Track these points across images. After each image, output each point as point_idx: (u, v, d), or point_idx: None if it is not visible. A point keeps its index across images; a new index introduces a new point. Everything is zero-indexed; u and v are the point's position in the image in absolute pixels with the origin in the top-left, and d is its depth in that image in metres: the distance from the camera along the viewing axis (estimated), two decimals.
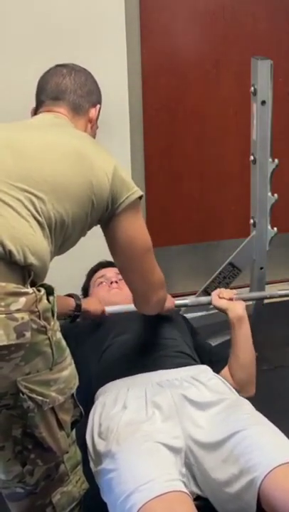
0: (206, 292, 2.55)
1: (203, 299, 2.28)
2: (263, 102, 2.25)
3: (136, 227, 1.60)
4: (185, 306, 2.26)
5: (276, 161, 2.33)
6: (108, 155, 1.57)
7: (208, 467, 1.55)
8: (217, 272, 2.51)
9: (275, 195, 2.38)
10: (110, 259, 2.35)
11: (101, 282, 2.20)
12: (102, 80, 2.80)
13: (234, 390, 1.81)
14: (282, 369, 2.69)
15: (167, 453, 1.53)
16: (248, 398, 1.81)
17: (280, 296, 2.37)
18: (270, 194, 2.39)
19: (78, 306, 1.95)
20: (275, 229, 2.43)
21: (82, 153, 1.51)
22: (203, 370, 1.84)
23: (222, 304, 2.07)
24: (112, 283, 2.16)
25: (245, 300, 2.19)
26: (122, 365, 1.84)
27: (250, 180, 2.42)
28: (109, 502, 1.49)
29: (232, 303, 2.07)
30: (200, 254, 3.28)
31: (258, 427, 1.57)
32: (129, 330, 1.97)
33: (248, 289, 2.63)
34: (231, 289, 2.51)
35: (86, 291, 2.28)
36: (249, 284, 2.61)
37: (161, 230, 3.18)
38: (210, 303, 2.15)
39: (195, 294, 2.64)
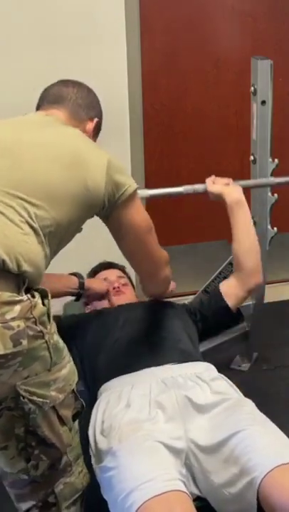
0: (206, 292, 2.55)
1: (198, 186, 2.11)
2: (263, 102, 2.25)
3: (136, 213, 1.63)
4: (179, 193, 2.14)
5: (276, 161, 2.33)
6: (100, 150, 1.56)
7: (210, 469, 1.55)
8: (217, 272, 2.51)
9: (275, 195, 2.38)
10: (111, 259, 2.37)
11: None
12: (102, 80, 2.81)
13: (238, 390, 1.80)
14: (282, 369, 2.70)
15: (167, 453, 1.53)
16: (247, 392, 1.80)
17: (278, 183, 2.26)
18: (270, 194, 2.39)
19: (82, 284, 2.01)
20: (275, 229, 2.43)
21: (76, 153, 1.50)
22: (207, 369, 1.84)
23: (217, 188, 2.02)
24: (114, 288, 2.16)
25: (241, 186, 2.07)
26: (125, 358, 1.83)
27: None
28: (110, 499, 1.49)
29: (228, 187, 2.01)
30: (200, 254, 3.28)
31: (259, 427, 1.57)
32: (132, 321, 1.96)
33: None
34: None
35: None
36: None
37: (161, 230, 3.17)
38: (205, 190, 2.07)
39: (195, 294, 2.64)
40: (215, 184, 2.03)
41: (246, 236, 1.99)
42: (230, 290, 2.04)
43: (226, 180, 2.04)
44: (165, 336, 1.91)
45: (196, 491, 1.57)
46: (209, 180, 2.06)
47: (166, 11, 2.88)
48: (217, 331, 2.22)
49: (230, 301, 2.04)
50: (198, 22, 2.94)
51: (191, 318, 2.06)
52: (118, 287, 2.16)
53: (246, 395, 1.79)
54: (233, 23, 2.97)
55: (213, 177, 2.07)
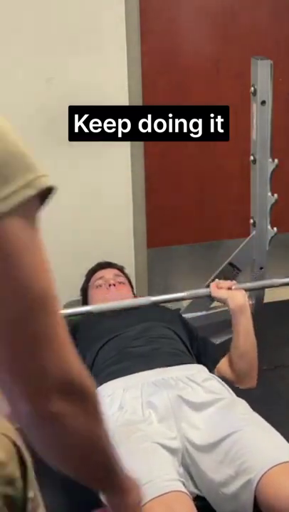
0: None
1: (202, 291, 2.18)
2: (263, 102, 2.25)
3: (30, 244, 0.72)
4: (182, 299, 2.19)
5: (276, 161, 2.33)
6: None
7: (205, 468, 1.55)
8: (217, 272, 2.51)
9: (275, 195, 2.38)
10: (112, 259, 2.37)
11: (100, 285, 2.20)
12: (102, 80, 2.82)
13: (231, 390, 1.80)
14: (282, 369, 2.69)
15: (165, 453, 1.54)
16: (247, 392, 1.80)
17: (281, 284, 2.28)
18: (270, 194, 2.39)
19: None
20: (275, 229, 2.43)
21: None
22: (199, 370, 1.84)
23: (222, 294, 2.05)
24: (110, 285, 2.17)
25: (245, 290, 2.13)
26: (117, 363, 1.84)
27: (250, 180, 2.42)
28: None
29: (232, 292, 2.04)
30: (200, 254, 3.28)
31: (254, 428, 1.58)
32: (124, 326, 1.96)
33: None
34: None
35: (85, 291, 2.29)
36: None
37: (161, 230, 3.18)
38: (208, 295, 2.10)
39: None
40: (219, 289, 2.06)
41: (243, 341, 1.99)
42: (224, 371, 2.01)
43: (228, 283, 2.08)
44: (157, 339, 1.91)
45: (195, 491, 1.58)
46: (213, 285, 2.10)
47: (166, 11, 2.87)
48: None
49: (218, 372, 2.00)
50: (198, 22, 2.94)
51: (186, 330, 2.06)
52: (114, 285, 2.17)
53: (246, 395, 1.79)
54: (233, 23, 2.96)
55: (216, 281, 2.12)
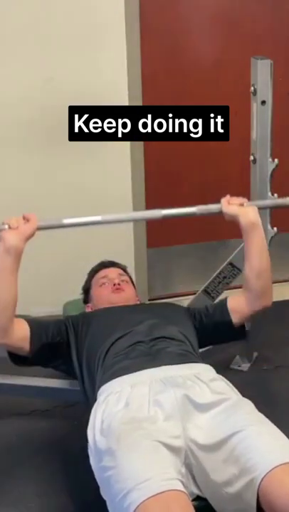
0: (206, 292, 2.55)
1: (212, 206, 2.05)
2: (263, 102, 2.25)
3: None
4: (193, 215, 2.10)
5: (276, 161, 2.33)
6: None
7: (209, 468, 1.55)
8: (217, 272, 2.51)
9: (275, 195, 2.38)
10: (112, 259, 2.37)
11: (104, 283, 2.20)
12: (102, 80, 2.82)
13: (236, 390, 1.80)
14: (282, 369, 2.70)
15: (167, 452, 1.53)
16: (247, 393, 1.80)
17: None
18: (270, 194, 2.39)
19: None
20: (275, 229, 2.43)
21: None
22: (206, 369, 1.84)
23: (232, 209, 1.97)
24: (114, 284, 2.17)
25: (257, 206, 2.02)
26: (124, 360, 1.83)
27: (250, 180, 2.42)
28: (108, 499, 1.49)
29: (243, 208, 1.97)
30: (200, 254, 3.28)
31: (258, 427, 1.57)
32: (131, 323, 1.96)
33: None
34: (231, 289, 2.52)
35: (87, 291, 2.28)
36: None
37: (161, 230, 3.18)
38: (219, 210, 2.02)
39: (195, 294, 2.64)
40: (230, 205, 1.99)
41: (258, 259, 1.95)
42: (238, 307, 2.01)
43: (240, 199, 2.00)
44: (164, 338, 1.91)
45: (196, 491, 1.58)
46: (224, 201, 2.01)
47: (166, 11, 2.88)
48: (215, 343, 2.19)
49: (235, 317, 2.01)
50: (198, 22, 2.94)
51: (192, 322, 2.06)
52: (118, 284, 2.17)
53: (246, 395, 1.79)
54: (233, 23, 2.96)
55: (228, 197, 2.03)
